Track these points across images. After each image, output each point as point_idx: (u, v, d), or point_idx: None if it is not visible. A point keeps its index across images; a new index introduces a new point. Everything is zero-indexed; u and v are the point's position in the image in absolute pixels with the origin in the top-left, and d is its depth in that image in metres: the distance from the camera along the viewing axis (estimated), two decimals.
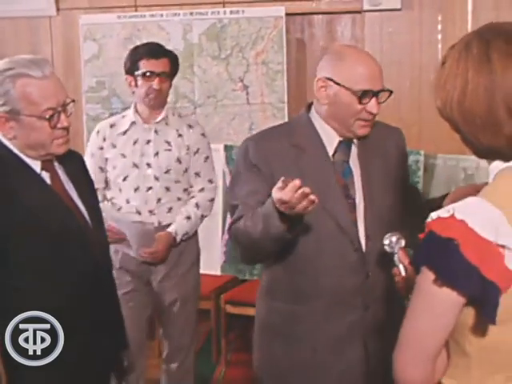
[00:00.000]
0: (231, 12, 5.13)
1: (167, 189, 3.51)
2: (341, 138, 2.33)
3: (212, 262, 4.98)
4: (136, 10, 5.26)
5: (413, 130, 4.81)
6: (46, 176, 2.20)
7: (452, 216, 1.36)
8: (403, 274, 1.95)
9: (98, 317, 2.26)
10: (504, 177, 1.45)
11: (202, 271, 4.92)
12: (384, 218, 2.30)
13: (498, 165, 1.46)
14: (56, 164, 2.25)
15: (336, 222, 2.25)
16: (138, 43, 5.12)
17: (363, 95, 2.20)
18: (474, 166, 4.12)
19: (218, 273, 5.00)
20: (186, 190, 3.59)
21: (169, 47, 5.11)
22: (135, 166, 3.45)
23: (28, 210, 2.11)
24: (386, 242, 2.04)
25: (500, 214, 1.35)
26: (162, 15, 5.20)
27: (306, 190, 2.00)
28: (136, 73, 3.45)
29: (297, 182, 2.00)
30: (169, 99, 5.13)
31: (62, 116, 2.15)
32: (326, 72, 2.28)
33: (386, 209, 2.33)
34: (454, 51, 1.48)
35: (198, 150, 3.59)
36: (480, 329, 1.40)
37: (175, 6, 5.20)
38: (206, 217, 3.74)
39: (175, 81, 5.13)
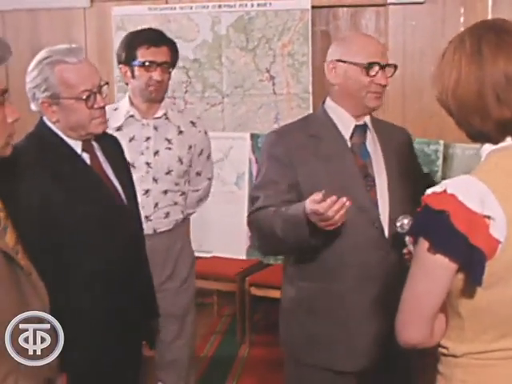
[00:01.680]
0: (258, 5, 5.29)
1: (165, 192, 3.25)
2: (356, 122, 2.48)
3: (238, 246, 5.16)
4: (166, 2, 5.45)
5: (433, 120, 4.93)
6: (86, 157, 2.39)
7: (444, 191, 1.52)
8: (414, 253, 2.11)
9: (133, 285, 2.45)
10: (491, 157, 1.60)
11: (227, 255, 5.14)
12: (403, 199, 2.44)
13: (487, 147, 1.62)
14: (95, 146, 2.44)
15: (356, 201, 2.34)
16: (168, 34, 5.34)
17: (369, 67, 2.38)
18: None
19: (244, 257, 5.16)
20: (183, 193, 3.37)
21: (198, 38, 5.36)
22: (132, 166, 2.94)
23: (68, 184, 2.30)
24: (399, 223, 2.20)
25: (486, 188, 1.50)
26: (191, 7, 5.38)
27: (342, 200, 2.13)
28: (133, 62, 3.15)
29: (334, 197, 2.12)
30: (198, 88, 5.37)
31: (98, 97, 2.33)
32: (334, 55, 2.46)
33: (405, 192, 2.47)
34: (451, 45, 1.64)
35: (202, 151, 3.42)
36: (470, 292, 1.56)
37: None
38: (191, 214, 3.63)
39: (204, 71, 5.31)
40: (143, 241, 2.63)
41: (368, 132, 2.51)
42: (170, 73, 3.23)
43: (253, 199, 2.51)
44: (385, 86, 2.43)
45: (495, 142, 1.60)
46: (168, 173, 3.24)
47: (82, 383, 2.16)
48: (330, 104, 2.53)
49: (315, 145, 2.45)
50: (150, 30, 3.38)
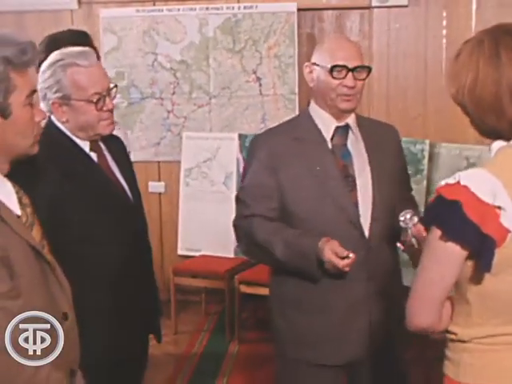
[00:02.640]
0: (245, 7, 5.36)
1: None
2: (337, 124, 2.55)
3: (226, 245, 5.23)
4: (154, 5, 5.49)
5: (418, 121, 5.07)
6: (93, 156, 2.46)
7: (457, 182, 1.62)
8: (416, 246, 2.22)
9: (138, 279, 2.52)
10: (503, 153, 1.70)
11: (216, 254, 5.21)
12: (388, 198, 2.53)
13: (498, 143, 1.72)
14: (102, 146, 2.51)
15: (336, 201, 2.46)
16: (156, 36, 5.40)
17: (333, 70, 2.44)
18: (476, 155, 4.36)
19: (232, 255, 5.23)
20: None
21: (186, 40, 5.43)
22: None
23: (78, 182, 2.37)
24: (402, 218, 2.29)
25: (497, 181, 1.60)
26: (178, 9, 5.43)
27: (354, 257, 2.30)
28: None
29: (352, 255, 2.29)
30: (185, 89, 5.44)
31: (107, 99, 2.41)
32: (312, 58, 2.55)
33: (390, 191, 2.55)
34: (468, 46, 1.73)
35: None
36: (478, 279, 1.66)
37: (192, 0, 5.43)
38: None
39: (192, 72, 5.38)
40: (148, 238, 2.70)
41: (350, 132, 2.57)
42: None
43: (238, 202, 2.58)
44: (353, 87, 2.47)
45: (507, 140, 1.70)
46: None
47: (92, 376, 2.21)
48: (312, 106, 2.60)
49: (299, 148, 2.52)
50: (72, 30, 3.54)
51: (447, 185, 1.63)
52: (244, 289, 4.90)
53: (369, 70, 2.51)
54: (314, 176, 2.48)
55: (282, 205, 2.50)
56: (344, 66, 2.45)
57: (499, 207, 1.59)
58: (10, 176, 1.80)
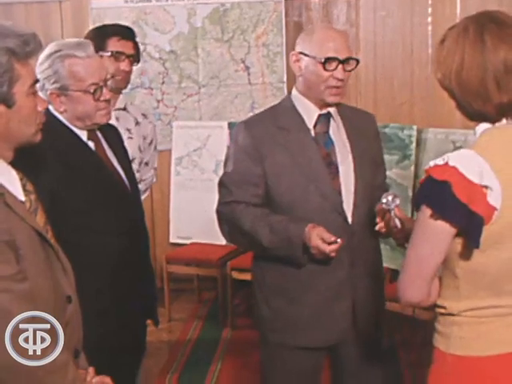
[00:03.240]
0: None
1: None
2: (320, 112, 2.58)
3: (217, 232, 5.21)
4: None
5: (405, 107, 5.14)
6: (91, 144, 2.52)
7: (446, 163, 1.69)
8: (399, 226, 2.30)
9: (137, 266, 2.58)
10: (488, 134, 1.78)
11: (208, 241, 5.26)
12: (369, 184, 2.59)
13: (483, 125, 1.79)
14: (99, 135, 2.56)
15: (319, 189, 2.51)
16: (145, 26, 5.44)
17: (326, 62, 2.46)
18: (462, 139, 4.42)
19: (223, 242, 5.26)
20: (140, 182, 3.35)
21: (174, 30, 5.47)
22: None
23: (76, 170, 2.42)
24: (384, 200, 2.36)
25: (483, 161, 1.68)
26: (167, 0, 5.46)
27: (340, 242, 2.35)
28: (102, 52, 3.20)
29: (339, 240, 2.35)
30: (174, 79, 5.49)
31: (104, 90, 2.46)
32: (298, 47, 2.55)
33: (371, 176, 2.62)
34: (453, 32, 1.80)
35: (151, 141, 3.59)
36: (467, 255, 1.74)
37: None
38: None
39: (181, 62, 5.43)
40: (145, 225, 2.76)
41: (332, 120, 2.61)
42: (133, 66, 3.38)
43: (221, 188, 2.61)
44: (343, 80, 2.49)
45: (492, 122, 1.78)
46: (132, 161, 3.28)
47: (93, 361, 2.26)
48: (295, 94, 2.62)
49: (282, 136, 2.55)
50: (121, 25, 3.57)
51: (436, 166, 1.70)
52: (236, 275, 4.94)
53: (357, 61, 2.54)
54: (298, 164, 2.51)
55: (266, 192, 2.54)
56: (336, 58, 2.46)
57: (486, 186, 1.66)
58: (13, 164, 1.86)
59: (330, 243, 2.35)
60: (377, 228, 2.45)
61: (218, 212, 2.62)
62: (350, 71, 2.53)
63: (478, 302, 1.78)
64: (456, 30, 1.79)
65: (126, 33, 3.37)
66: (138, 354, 2.78)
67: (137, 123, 3.46)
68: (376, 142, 2.75)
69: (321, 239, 2.36)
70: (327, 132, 2.59)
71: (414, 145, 4.64)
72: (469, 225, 1.67)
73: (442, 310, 1.83)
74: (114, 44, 3.28)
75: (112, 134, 2.67)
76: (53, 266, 1.86)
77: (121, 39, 3.30)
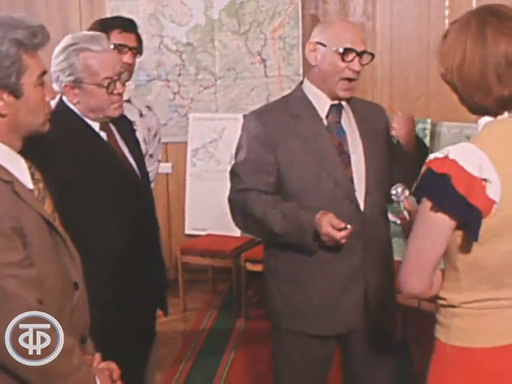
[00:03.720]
0: None
1: None
2: (332, 102, 2.62)
3: (232, 223, 5.29)
4: None
5: (420, 100, 5.15)
6: (103, 135, 2.56)
7: (446, 156, 1.71)
8: (408, 218, 2.31)
9: (145, 257, 2.62)
10: (488, 128, 1.80)
11: (223, 233, 5.31)
12: (380, 173, 2.62)
13: (485, 119, 1.81)
14: (111, 126, 2.61)
15: (332, 177, 2.54)
16: (162, 18, 5.48)
17: (345, 53, 2.49)
18: (475, 133, 4.42)
19: (238, 234, 5.32)
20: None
21: (191, 23, 5.51)
22: None
23: (89, 159, 2.47)
24: (393, 192, 2.37)
25: (483, 154, 1.70)
26: None
27: (351, 228, 2.38)
28: None
29: (349, 227, 2.37)
30: (191, 71, 5.53)
31: (118, 84, 2.50)
32: (316, 37, 2.58)
33: (382, 166, 2.64)
34: (455, 26, 1.82)
35: (156, 133, 3.61)
36: (467, 248, 1.75)
37: None
38: None
39: (197, 54, 5.46)
40: (155, 214, 2.80)
41: (343, 111, 2.64)
42: (136, 59, 3.38)
43: (233, 176, 2.64)
44: (358, 72, 2.53)
45: (494, 116, 1.80)
46: None
47: (103, 351, 2.30)
48: (307, 84, 2.65)
49: (295, 124, 2.58)
50: (122, 17, 3.58)
51: (436, 159, 1.72)
52: (250, 266, 5.00)
53: (372, 56, 2.57)
54: (311, 152, 2.54)
55: (278, 180, 2.57)
56: (353, 50, 2.50)
57: (485, 180, 1.68)
58: (22, 153, 1.90)
59: (340, 229, 2.38)
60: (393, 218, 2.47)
61: (230, 200, 2.65)
62: (364, 65, 2.56)
63: (478, 294, 1.80)
64: (458, 24, 1.80)
65: (128, 25, 3.37)
66: (145, 346, 2.80)
67: (141, 115, 3.48)
68: (387, 133, 2.77)
69: (331, 226, 2.38)
70: (339, 122, 2.62)
71: (428, 138, 4.64)
72: (468, 217, 1.68)
73: (443, 302, 1.85)
74: (116, 37, 3.27)
75: (124, 126, 2.71)
76: (60, 253, 1.90)
77: (122, 32, 3.30)
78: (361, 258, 2.58)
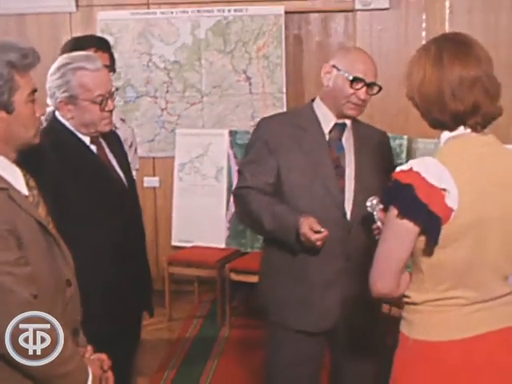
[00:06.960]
0: (235, 10, 5.66)
1: None
2: (336, 121, 2.82)
3: (217, 236, 5.51)
4: (148, 8, 5.77)
5: (398, 118, 5.34)
6: (93, 148, 2.72)
7: (410, 169, 1.91)
8: (381, 228, 2.49)
9: (134, 261, 2.79)
10: (448, 144, 2.01)
11: (208, 244, 5.48)
12: (369, 189, 2.76)
13: (446, 134, 2.03)
14: (101, 140, 2.78)
15: (325, 186, 2.75)
16: (150, 37, 5.66)
17: (354, 81, 2.70)
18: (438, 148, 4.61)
19: (223, 246, 5.52)
20: None
21: (179, 42, 5.70)
22: None
23: (79, 171, 2.63)
24: (368, 203, 2.56)
25: (443, 167, 1.90)
26: (172, 12, 5.72)
27: (327, 233, 2.57)
28: None
29: (324, 230, 2.56)
30: (178, 88, 5.71)
31: (109, 101, 2.67)
32: (333, 61, 2.80)
33: (372, 182, 2.80)
34: (418, 52, 2.05)
35: (131, 143, 3.74)
36: (429, 251, 1.94)
37: (184, 3, 5.71)
38: None
39: (185, 72, 5.63)
40: (142, 221, 2.98)
41: (346, 130, 2.84)
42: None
43: (239, 174, 2.90)
44: (364, 100, 2.72)
45: (451, 130, 2.01)
46: None
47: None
48: (317, 101, 2.86)
49: (299, 135, 2.80)
50: (96, 36, 3.72)
51: (402, 171, 1.93)
52: (234, 277, 5.14)
53: (380, 88, 2.77)
54: (309, 162, 2.76)
55: (277, 182, 2.78)
56: (362, 80, 2.69)
57: (444, 189, 1.88)
58: (17, 163, 2.06)
59: (316, 232, 2.56)
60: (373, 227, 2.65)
61: (234, 195, 2.93)
62: (371, 95, 2.76)
63: (439, 293, 1.98)
64: (421, 50, 2.04)
65: (102, 44, 3.53)
66: (132, 344, 2.95)
67: (115, 128, 3.41)
68: (386, 157, 2.97)
69: (310, 228, 2.57)
70: (340, 139, 2.83)
71: (404, 154, 4.84)
72: (429, 223, 1.87)
73: (408, 300, 2.04)
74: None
75: (113, 139, 2.88)
76: (53, 253, 2.05)
77: (97, 50, 3.43)
78: (342, 264, 2.76)
